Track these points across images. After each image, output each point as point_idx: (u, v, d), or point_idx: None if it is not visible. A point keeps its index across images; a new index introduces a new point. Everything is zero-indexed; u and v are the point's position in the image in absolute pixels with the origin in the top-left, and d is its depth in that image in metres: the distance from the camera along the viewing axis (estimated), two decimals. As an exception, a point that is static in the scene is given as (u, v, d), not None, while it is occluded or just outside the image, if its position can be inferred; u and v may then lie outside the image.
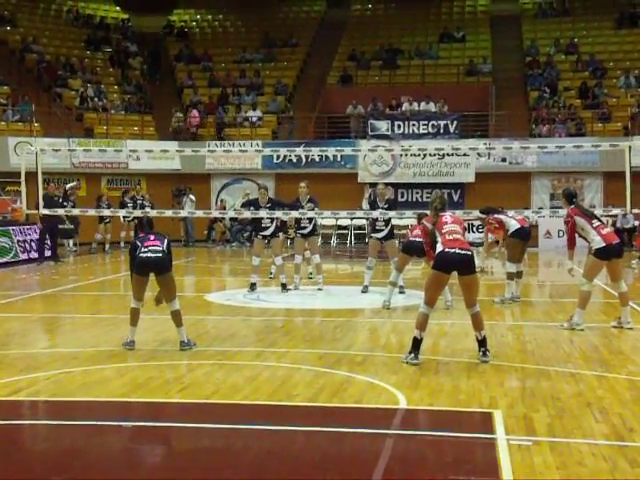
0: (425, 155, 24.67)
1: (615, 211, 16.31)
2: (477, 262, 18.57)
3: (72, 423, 6.28)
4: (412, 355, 8.13)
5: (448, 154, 24.39)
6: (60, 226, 22.43)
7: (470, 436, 5.92)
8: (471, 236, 24.04)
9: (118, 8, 35.19)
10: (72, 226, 22.73)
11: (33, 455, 5.68)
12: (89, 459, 5.53)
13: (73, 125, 26.62)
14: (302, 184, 14.17)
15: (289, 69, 31.60)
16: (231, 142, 26.39)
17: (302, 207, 13.60)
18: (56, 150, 21.36)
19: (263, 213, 13.53)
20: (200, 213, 17.77)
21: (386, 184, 14.71)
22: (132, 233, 23.67)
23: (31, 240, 19.65)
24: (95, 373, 7.80)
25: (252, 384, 7.32)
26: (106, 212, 18.64)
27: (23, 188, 14.09)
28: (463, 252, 8.25)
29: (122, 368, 7.97)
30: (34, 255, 19.72)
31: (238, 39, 33.51)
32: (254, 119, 28.27)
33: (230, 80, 30.57)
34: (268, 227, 13.82)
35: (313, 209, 13.65)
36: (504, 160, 25.37)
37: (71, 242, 23.07)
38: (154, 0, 34.32)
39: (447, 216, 8.61)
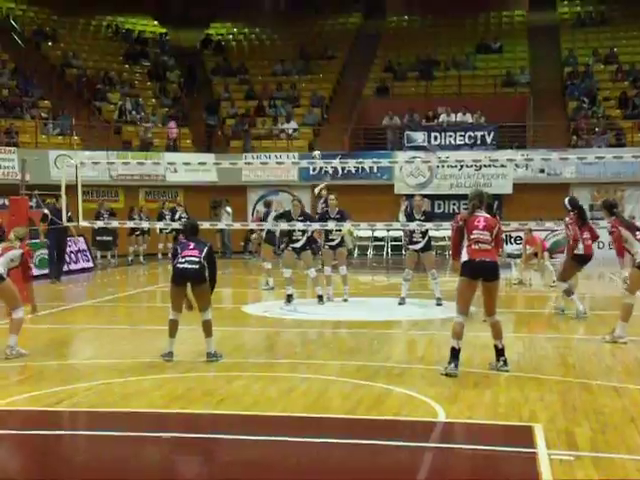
0: (462, 166, 24.50)
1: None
2: (515, 274, 18.45)
3: (112, 434, 6.31)
4: (452, 365, 8.08)
5: (485, 165, 24.18)
6: (98, 238, 22.71)
7: (511, 450, 5.84)
8: (509, 248, 23.84)
9: (156, 22, 35.61)
10: (110, 238, 22.97)
11: (73, 465, 5.72)
12: (128, 470, 5.56)
13: (112, 138, 26.95)
14: (332, 196, 14.24)
15: (325, 81, 31.68)
16: (267, 154, 26.50)
17: (331, 219, 13.68)
18: (95, 163, 21.64)
19: (299, 225, 13.59)
20: (237, 225, 17.82)
21: (422, 195, 14.60)
22: (170, 245, 23.88)
23: (70, 252, 19.87)
24: (134, 384, 7.85)
25: (289, 396, 7.32)
26: (144, 224, 18.79)
27: (64, 201, 14.30)
28: (488, 260, 8.24)
29: (161, 379, 8.01)
30: (74, 267, 19.94)
31: (274, 52, 33.69)
32: (290, 131, 28.37)
33: (266, 92, 30.73)
34: (299, 240, 13.84)
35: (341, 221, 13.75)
36: (542, 171, 25.12)
37: (109, 254, 23.31)
38: (191, 14, 34.70)
39: (481, 219, 8.43)
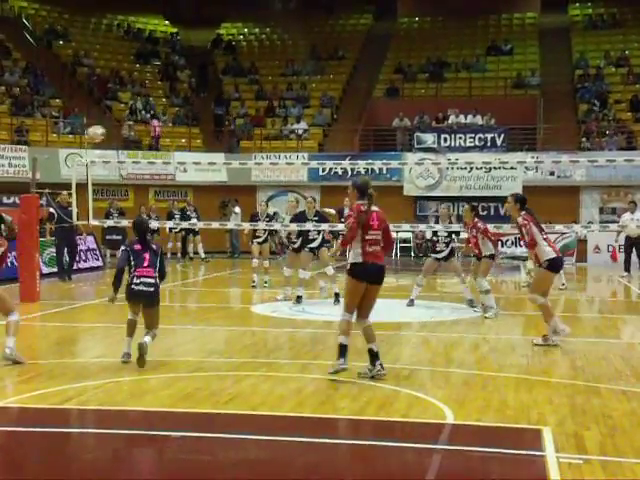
0: (472, 168, 24.48)
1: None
2: (524, 277, 18.37)
3: (120, 432, 6.33)
4: (341, 361, 7.97)
5: (495, 167, 24.15)
6: (108, 236, 22.78)
7: (519, 453, 5.83)
8: (517, 250, 23.81)
9: (167, 22, 35.72)
10: (120, 237, 23.02)
11: (81, 464, 5.73)
12: (136, 469, 5.57)
13: (122, 137, 27.02)
14: (309, 198, 14.53)
15: (336, 82, 31.70)
16: (277, 154, 26.52)
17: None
18: (106, 162, 21.71)
19: (309, 225, 13.63)
20: (247, 225, 17.84)
21: (448, 206, 14.45)
22: (179, 244, 23.95)
23: (80, 250, 19.93)
24: (143, 383, 7.86)
25: (298, 396, 7.32)
26: (154, 224, 18.82)
27: (74, 199, 14.36)
28: (379, 264, 7.99)
29: (169, 378, 8.02)
30: (83, 265, 20.00)
31: (285, 52, 33.74)
32: (300, 131, 28.40)
33: (277, 93, 30.78)
34: (315, 239, 13.86)
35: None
36: (552, 174, 25.08)
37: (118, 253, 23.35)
38: (202, 14, 34.77)
39: (374, 216, 8.08)
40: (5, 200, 23.20)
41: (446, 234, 13.29)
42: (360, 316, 8.08)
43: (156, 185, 26.73)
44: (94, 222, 14.66)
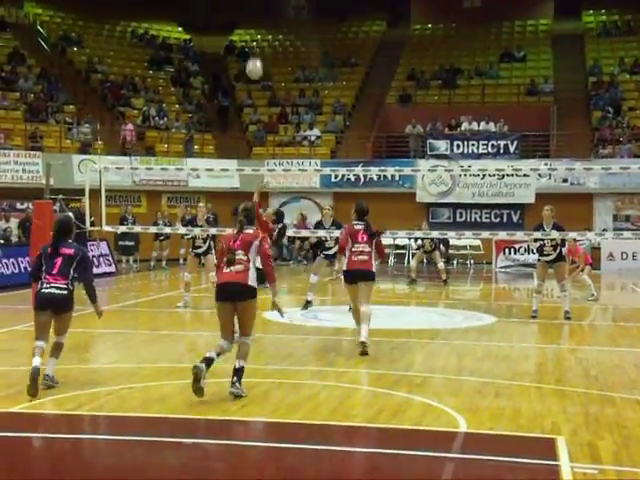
0: (484, 175, 24.41)
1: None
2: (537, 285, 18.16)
3: (133, 439, 6.33)
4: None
5: (508, 174, 24.07)
6: (121, 242, 22.85)
7: (533, 462, 5.78)
8: (530, 257, 23.69)
9: (180, 29, 35.84)
10: (132, 243, 23.11)
11: (93, 470, 5.74)
12: (149, 475, 5.57)
13: (135, 143, 27.12)
14: (327, 207, 14.46)
15: (348, 88, 31.72)
16: (290, 161, 26.54)
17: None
18: (119, 168, 21.79)
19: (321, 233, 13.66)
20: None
21: (551, 207, 13.78)
22: (191, 250, 23.97)
23: (92, 256, 19.99)
24: (155, 389, 7.87)
25: (310, 403, 7.31)
26: (166, 229, 18.88)
27: (87, 205, 14.40)
28: (236, 281, 7.70)
29: (182, 385, 8.01)
30: (96, 271, 20.03)
31: (298, 58, 33.79)
32: (313, 138, 28.42)
33: (289, 99, 30.83)
34: (332, 247, 13.89)
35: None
36: (565, 181, 24.98)
37: (131, 259, 23.43)
38: (215, 20, 34.88)
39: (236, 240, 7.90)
40: (19, 206, 23.32)
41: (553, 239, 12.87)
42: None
43: (169, 191, 26.79)
44: (107, 228, 14.70)
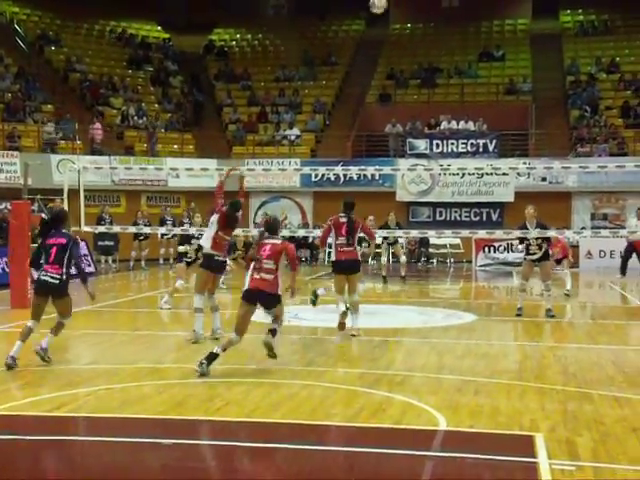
0: (464, 174, 24.53)
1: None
2: (517, 282, 18.31)
3: (112, 440, 6.31)
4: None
5: (487, 173, 24.21)
6: (100, 242, 22.72)
7: (512, 459, 5.82)
8: (510, 256, 23.83)
9: (159, 28, 35.70)
10: (112, 243, 22.98)
11: (72, 471, 5.71)
12: (128, 476, 5.55)
13: (114, 143, 26.98)
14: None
15: (328, 88, 31.75)
16: (270, 160, 26.51)
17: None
18: (98, 168, 21.67)
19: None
20: (239, 231, 17.77)
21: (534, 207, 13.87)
22: (171, 250, 23.92)
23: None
24: (135, 390, 7.84)
25: (291, 403, 7.31)
26: (146, 229, 18.81)
27: (66, 205, 14.32)
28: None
29: (161, 385, 8.00)
30: (75, 271, 19.89)
31: (277, 58, 33.77)
32: (292, 137, 28.42)
33: (269, 98, 30.80)
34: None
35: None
36: (544, 179, 25.15)
37: (110, 259, 23.31)
38: (195, 20, 34.77)
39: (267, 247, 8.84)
40: (-3, 206, 23.13)
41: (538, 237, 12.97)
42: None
43: (148, 191, 26.68)
44: (86, 228, 14.62)
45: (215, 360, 8.37)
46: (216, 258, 10.49)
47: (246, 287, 8.66)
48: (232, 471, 5.63)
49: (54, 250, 8.83)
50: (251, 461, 5.87)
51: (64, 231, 9.14)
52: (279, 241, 8.81)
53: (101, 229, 18.07)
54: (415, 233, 13.47)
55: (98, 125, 26.52)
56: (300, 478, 5.48)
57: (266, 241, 8.79)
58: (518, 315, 13.09)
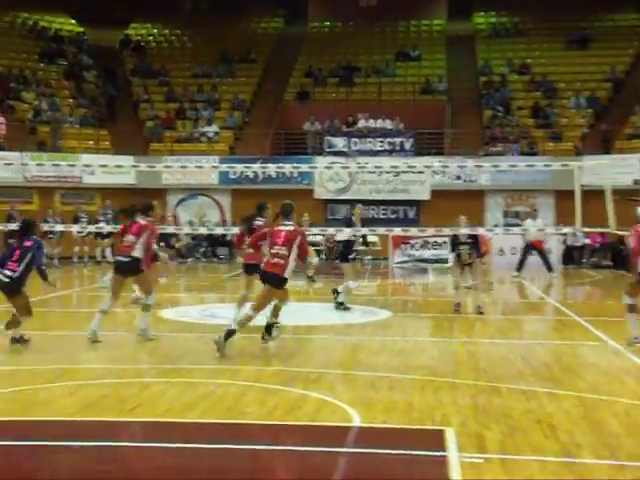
0: (381, 172, 24.81)
1: (565, 229, 16.59)
2: (431, 279, 18.62)
3: (19, 444, 6.15)
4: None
5: (403, 171, 24.56)
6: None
7: (422, 454, 5.95)
8: (427, 253, 24.22)
9: (73, 21, 34.88)
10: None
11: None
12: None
13: (26, 138, 26.24)
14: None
15: (246, 84, 31.62)
16: (188, 157, 26.25)
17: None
18: (8, 164, 21.05)
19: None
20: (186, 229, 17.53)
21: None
22: (86, 248, 23.46)
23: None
24: (43, 391, 7.66)
25: (206, 402, 7.27)
26: (58, 227, 18.39)
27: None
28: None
29: (73, 386, 7.85)
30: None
31: (195, 54, 33.44)
32: (211, 134, 28.21)
33: (187, 95, 30.48)
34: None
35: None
36: (459, 178, 25.67)
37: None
38: (110, 14, 34.10)
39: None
40: None
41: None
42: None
43: (62, 188, 26.06)
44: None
45: (233, 336, 9.17)
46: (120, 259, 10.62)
47: (261, 268, 9.69)
48: (143, 472, 5.56)
49: (18, 252, 9.77)
50: (163, 462, 5.81)
51: (33, 237, 10.05)
52: (293, 227, 9.48)
53: (12, 227, 17.53)
54: (332, 231, 13.52)
55: (2, 119, 25.58)
56: (214, 477, 5.46)
57: (281, 227, 9.36)
58: (456, 311, 13.35)
